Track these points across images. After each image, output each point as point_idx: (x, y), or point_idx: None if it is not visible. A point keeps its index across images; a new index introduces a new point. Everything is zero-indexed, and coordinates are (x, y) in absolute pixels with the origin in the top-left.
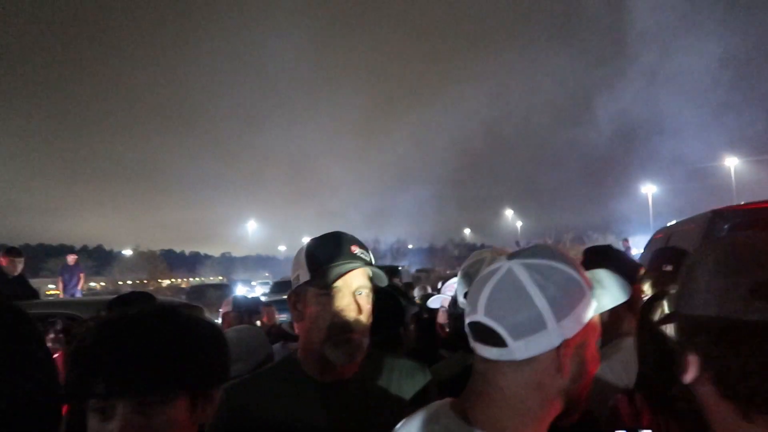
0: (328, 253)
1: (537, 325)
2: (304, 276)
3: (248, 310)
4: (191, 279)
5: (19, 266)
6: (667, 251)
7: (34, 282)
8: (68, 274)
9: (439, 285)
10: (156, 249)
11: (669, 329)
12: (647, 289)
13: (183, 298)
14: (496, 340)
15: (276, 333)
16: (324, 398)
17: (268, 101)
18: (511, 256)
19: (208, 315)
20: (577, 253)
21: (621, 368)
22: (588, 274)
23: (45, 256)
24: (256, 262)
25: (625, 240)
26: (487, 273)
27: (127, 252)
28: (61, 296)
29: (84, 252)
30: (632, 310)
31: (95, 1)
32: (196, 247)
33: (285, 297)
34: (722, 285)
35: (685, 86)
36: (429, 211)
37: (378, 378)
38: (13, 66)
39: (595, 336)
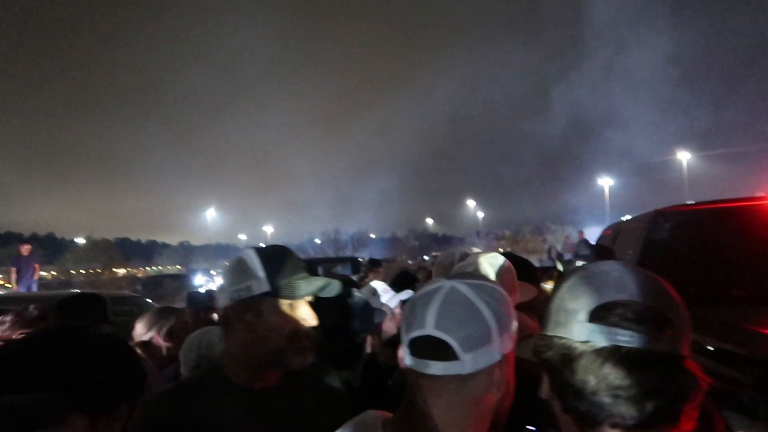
0: (290, 266)
1: (485, 338)
2: (260, 287)
3: (204, 306)
4: (148, 268)
5: None
6: (597, 250)
7: None
8: (23, 265)
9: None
10: (111, 237)
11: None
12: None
13: (138, 289)
14: (445, 354)
15: None
16: (254, 406)
17: (230, 89)
18: (450, 278)
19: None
20: (535, 244)
21: None
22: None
23: None
24: (216, 251)
25: (581, 232)
26: (428, 291)
27: (80, 240)
28: (15, 288)
29: (34, 240)
30: (534, 310)
31: None
32: (154, 235)
33: None
34: (569, 309)
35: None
36: (392, 201)
37: (297, 384)
38: None
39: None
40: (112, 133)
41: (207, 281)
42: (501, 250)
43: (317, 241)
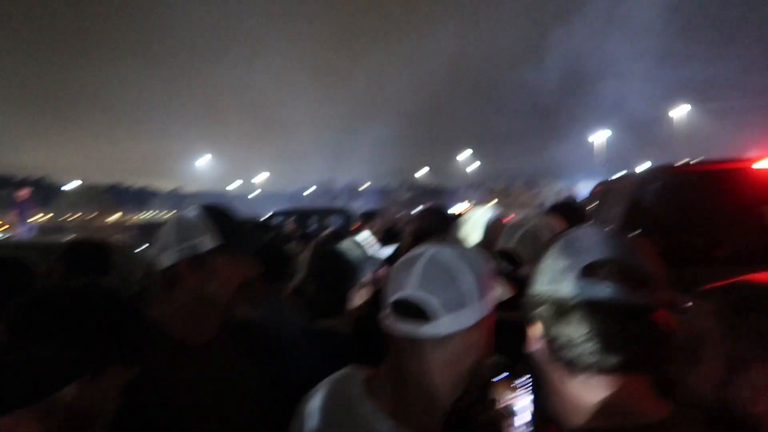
0: (236, 221)
1: (465, 299)
2: (210, 242)
3: None
4: (140, 215)
5: None
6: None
7: None
8: (23, 209)
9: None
10: (103, 182)
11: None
12: None
13: (132, 235)
14: (424, 315)
15: None
16: (199, 361)
17: (226, 33)
18: (434, 244)
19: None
20: (528, 197)
21: None
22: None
23: None
24: (208, 199)
25: (572, 188)
26: (411, 257)
27: (74, 184)
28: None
29: (27, 183)
30: None
31: None
32: (146, 180)
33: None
34: (560, 267)
35: (638, 34)
36: (387, 150)
37: (232, 335)
38: None
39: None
40: (106, 75)
41: None
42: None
43: (311, 189)
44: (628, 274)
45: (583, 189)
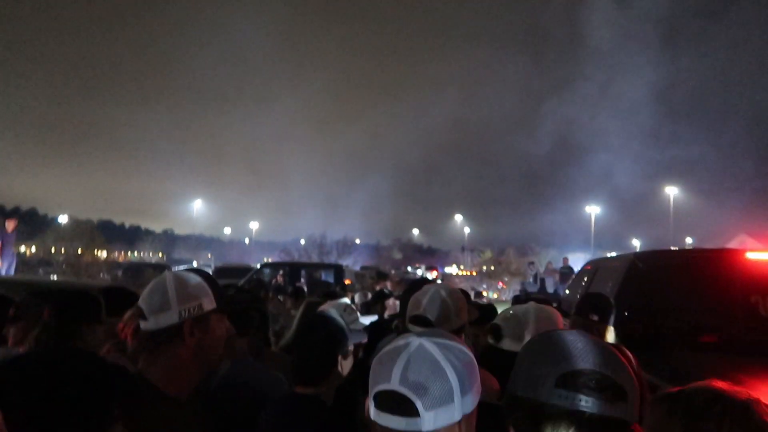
0: (219, 284)
1: (447, 398)
2: (210, 304)
3: None
4: (129, 254)
5: None
6: (594, 299)
7: None
8: (7, 241)
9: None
10: (94, 218)
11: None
12: None
13: (118, 275)
14: (407, 410)
15: None
16: (184, 414)
17: (230, 82)
18: (420, 335)
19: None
20: (519, 265)
21: None
22: None
23: None
24: (199, 242)
25: (565, 258)
26: (397, 346)
27: (63, 218)
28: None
29: (15, 214)
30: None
31: None
32: (138, 220)
33: (227, 283)
34: (537, 373)
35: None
36: (380, 208)
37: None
38: None
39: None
40: (107, 113)
41: None
42: (484, 267)
43: (302, 242)
44: (606, 386)
45: (575, 260)
